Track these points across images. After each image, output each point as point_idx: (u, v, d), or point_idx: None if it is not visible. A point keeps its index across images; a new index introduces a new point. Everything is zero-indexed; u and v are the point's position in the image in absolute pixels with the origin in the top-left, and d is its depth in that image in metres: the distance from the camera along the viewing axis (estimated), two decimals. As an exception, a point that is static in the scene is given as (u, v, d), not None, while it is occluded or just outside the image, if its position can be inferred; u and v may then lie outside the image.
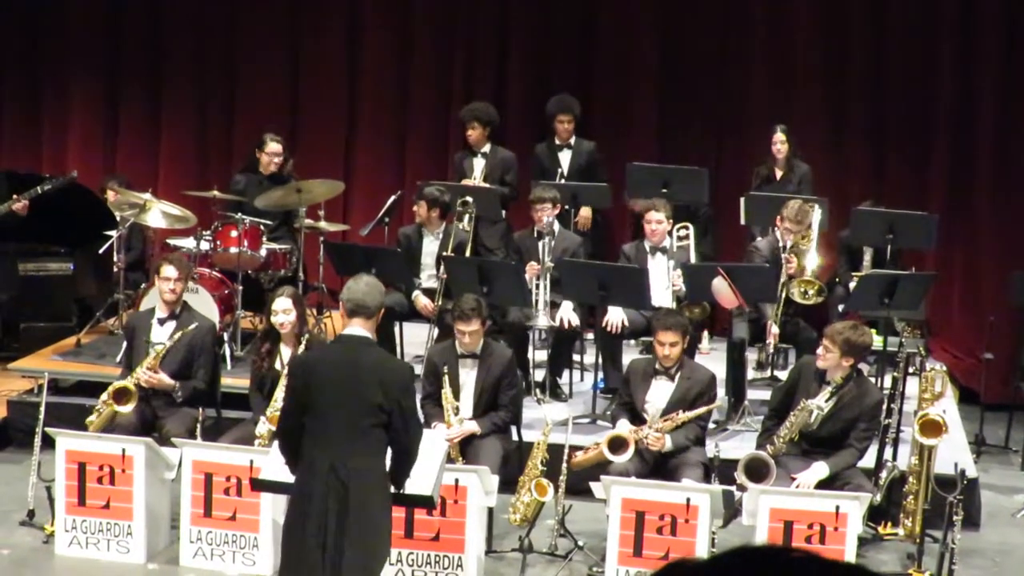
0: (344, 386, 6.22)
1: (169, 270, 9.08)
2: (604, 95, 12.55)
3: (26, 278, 11.75)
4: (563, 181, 11.61)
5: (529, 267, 10.22)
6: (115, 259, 11.12)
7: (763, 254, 10.15)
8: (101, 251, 11.22)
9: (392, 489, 6.39)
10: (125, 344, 9.39)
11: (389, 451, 6.31)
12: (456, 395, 8.70)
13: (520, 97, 12.97)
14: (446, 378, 8.65)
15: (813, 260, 9.84)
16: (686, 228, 10.69)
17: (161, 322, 9.14)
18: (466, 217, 10.87)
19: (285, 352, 8.69)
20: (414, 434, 6.37)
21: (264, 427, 8.47)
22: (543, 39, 12.93)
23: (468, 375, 8.78)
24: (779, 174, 11.59)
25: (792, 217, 9.92)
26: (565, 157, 11.90)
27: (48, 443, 8.52)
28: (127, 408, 8.75)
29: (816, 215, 10.09)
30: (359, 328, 6.38)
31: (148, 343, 9.07)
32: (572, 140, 11.92)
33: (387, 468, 6.32)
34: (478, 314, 8.62)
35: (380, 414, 6.20)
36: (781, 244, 10.06)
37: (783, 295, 9.77)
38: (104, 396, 8.88)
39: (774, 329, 9.77)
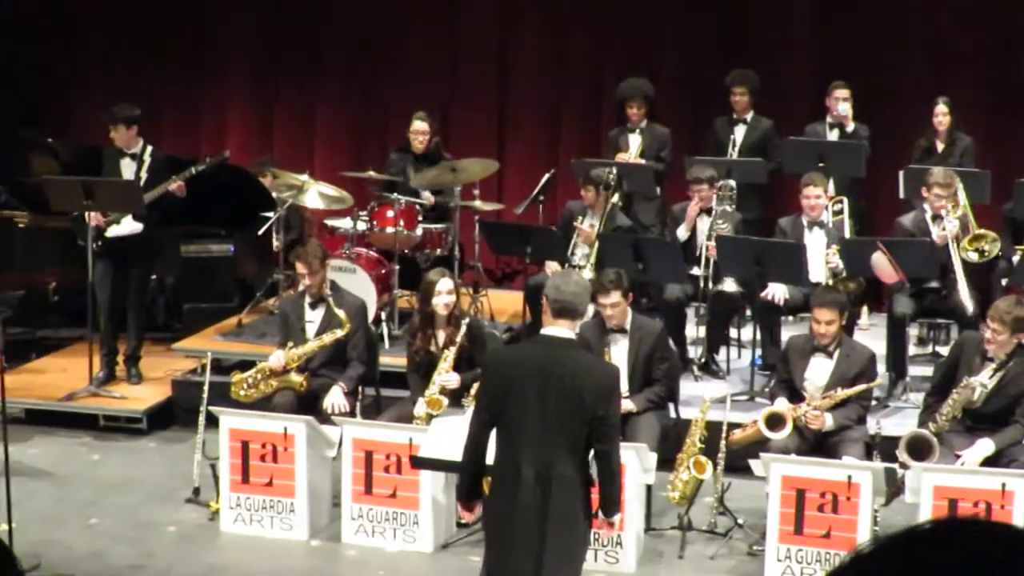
0: (546, 389, 5.80)
1: (299, 267, 9.17)
2: (758, 70, 12.41)
3: (188, 260, 11.99)
4: (733, 156, 11.49)
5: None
6: (274, 240, 11.27)
7: (908, 229, 9.98)
8: (260, 232, 11.39)
9: (601, 516, 6.11)
10: (279, 327, 9.49)
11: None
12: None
13: (673, 72, 12.88)
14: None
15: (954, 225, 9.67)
16: (840, 203, 10.56)
17: (312, 305, 9.22)
18: (616, 193, 10.84)
19: (440, 334, 8.73)
20: (616, 452, 5.98)
21: (422, 409, 8.51)
22: (696, 13, 12.84)
23: (619, 350, 8.69)
24: (940, 147, 11.33)
25: (940, 182, 9.76)
26: (740, 132, 11.77)
27: (212, 422, 8.67)
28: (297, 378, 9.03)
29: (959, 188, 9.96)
30: (563, 329, 5.94)
31: (302, 328, 9.17)
32: (749, 116, 11.79)
33: (593, 480, 6.00)
34: (617, 285, 8.50)
35: (584, 421, 5.81)
36: (930, 215, 9.89)
37: (959, 261, 9.62)
38: (258, 368, 9.15)
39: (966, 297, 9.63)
